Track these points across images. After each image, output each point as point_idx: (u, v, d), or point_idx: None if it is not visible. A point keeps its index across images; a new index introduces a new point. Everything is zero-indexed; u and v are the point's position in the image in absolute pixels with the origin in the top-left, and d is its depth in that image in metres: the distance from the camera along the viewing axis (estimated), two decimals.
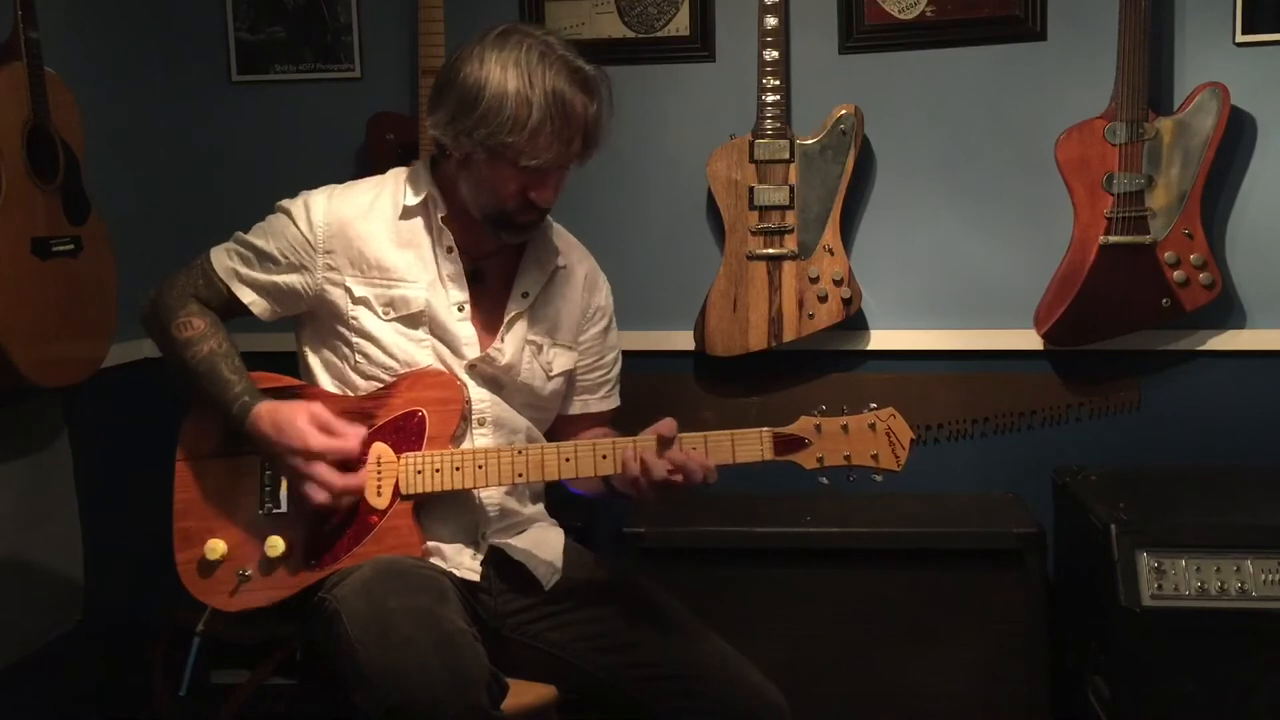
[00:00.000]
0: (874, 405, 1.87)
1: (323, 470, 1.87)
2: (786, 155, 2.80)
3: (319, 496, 1.87)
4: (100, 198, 2.56)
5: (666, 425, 1.84)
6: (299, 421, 1.87)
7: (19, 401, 2.56)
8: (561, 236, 2.10)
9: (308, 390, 2.00)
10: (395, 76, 3.02)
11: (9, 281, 2.28)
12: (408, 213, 1.99)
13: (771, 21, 2.76)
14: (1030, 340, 2.85)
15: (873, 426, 1.85)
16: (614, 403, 2.18)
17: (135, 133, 3.04)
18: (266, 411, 1.90)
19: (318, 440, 1.87)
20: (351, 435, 1.89)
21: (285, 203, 2.02)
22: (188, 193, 3.10)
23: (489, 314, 2.01)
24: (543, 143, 1.83)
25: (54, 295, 2.40)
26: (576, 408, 2.14)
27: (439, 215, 1.97)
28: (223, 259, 2.02)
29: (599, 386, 2.15)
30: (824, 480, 1.88)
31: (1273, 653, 2.28)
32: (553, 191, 1.92)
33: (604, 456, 1.87)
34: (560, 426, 2.14)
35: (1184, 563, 2.32)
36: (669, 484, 1.82)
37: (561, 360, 2.07)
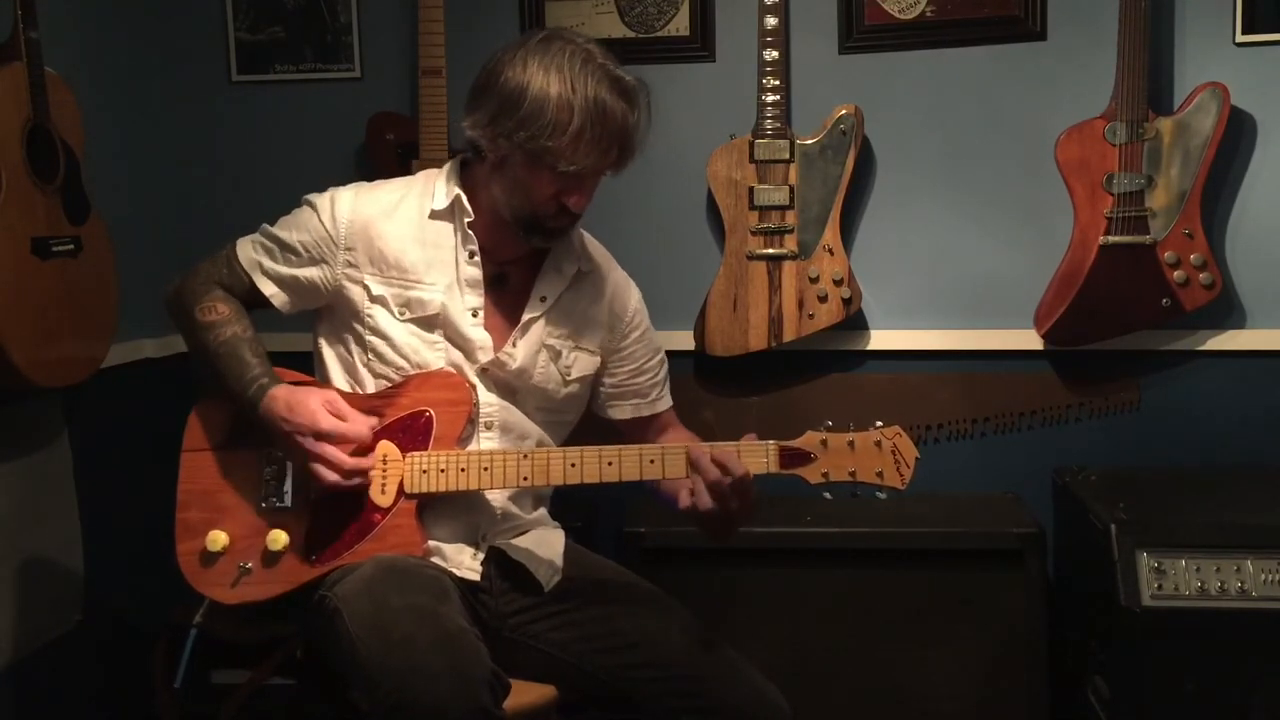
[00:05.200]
0: (880, 423, 1.87)
1: (331, 451, 1.88)
2: (786, 155, 2.80)
3: (329, 477, 1.88)
4: (100, 198, 2.56)
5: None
6: (311, 403, 1.90)
7: (19, 401, 2.55)
8: (590, 244, 2.11)
9: (317, 387, 2.01)
10: (395, 76, 3.02)
11: (9, 281, 2.28)
12: (436, 215, 2.00)
13: (771, 21, 2.76)
14: (1030, 340, 2.85)
15: (878, 444, 1.86)
16: (666, 404, 2.18)
17: (135, 133, 3.03)
18: (283, 394, 1.92)
19: (328, 421, 1.88)
20: (362, 422, 1.91)
21: (312, 196, 2.03)
22: (188, 192, 3.10)
23: (508, 318, 2.02)
24: (582, 148, 1.85)
25: (54, 295, 2.40)
26: (628, 412, 2.15)
27: (465, 220, 1.98)
28: (247, 250, 2.05)
29: (650, 389, 2.16)
30: (827, 495, 1.88)
31: (1273, 653, 2.29)
32: (586, 198, 1.93)
33: (609, 463, 1.87)
34: (625, 433, 2.14)
35: (1184, 563, 2.32)
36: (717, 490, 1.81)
37: (582, 364, 2.07)
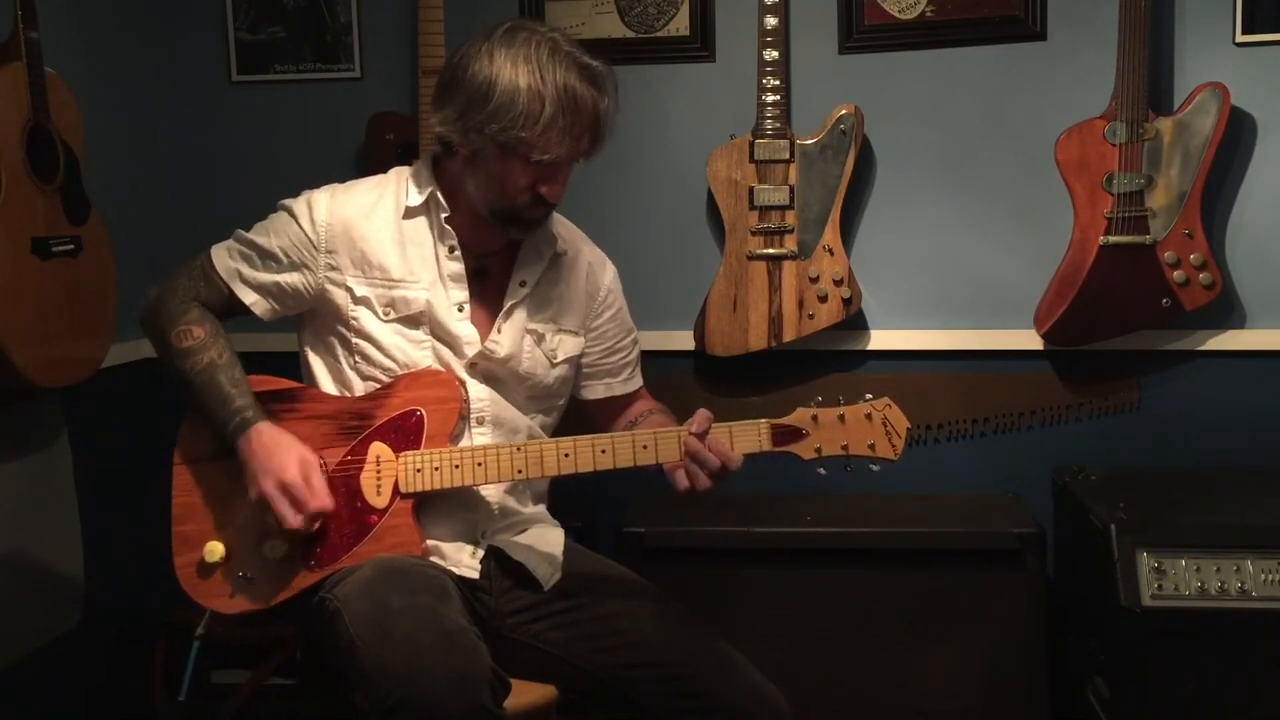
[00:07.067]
0: (870, 396, 1.88)
1: (285, 506, 1.86)
2: (786, 155, 2.80)
3: (284, 517, 1.86)
4: (100, 198, 2.56)
5: (699, 419, 1.85)
6: (290, 455, 1.88)
7: (19, 401, 2.55)
8: (562, 224, 2.10)
9: (306, 392, 2.00)
10: (395, 76, 3.02)
11: (9, 281, 2.28)
12: (410, 213, 1.99)
13: (771, 21, 2.76)
14: (1030, 340, 2.85)
15: (869, 416, 1.86)
16: (636, 383, 2.18)
17: (135, 133, 3.04)
18: (268, 433, 1.90)
19: (293, 475, 1.86)
20: (325, 499, 1.88)
21: (288, 201, 2.02)
22: (188, 193, 3.10)
23: (490, 309, 2.02)
24: (555, 137, 1.84)
25: (54, 295, 2.40)
26: (600, 392, 2.14)
27: (442, 215, 1.98)
28: (224, 258, 2.02)
29: (621, 369, 2.15)
30: (822, 471, 1.88)
31: (1273, 653, 2.29)
32: (561, 186, 1.93)
33: (603, 451, 1.87)
34: (594, 414, 2.15)
35: (1184, 563, 2.32)
36: (698, 461, 1.82)
37: (567, 346, 2.07)
